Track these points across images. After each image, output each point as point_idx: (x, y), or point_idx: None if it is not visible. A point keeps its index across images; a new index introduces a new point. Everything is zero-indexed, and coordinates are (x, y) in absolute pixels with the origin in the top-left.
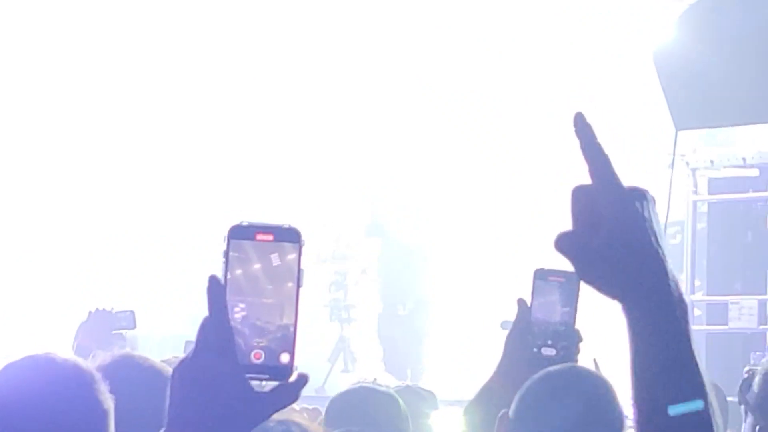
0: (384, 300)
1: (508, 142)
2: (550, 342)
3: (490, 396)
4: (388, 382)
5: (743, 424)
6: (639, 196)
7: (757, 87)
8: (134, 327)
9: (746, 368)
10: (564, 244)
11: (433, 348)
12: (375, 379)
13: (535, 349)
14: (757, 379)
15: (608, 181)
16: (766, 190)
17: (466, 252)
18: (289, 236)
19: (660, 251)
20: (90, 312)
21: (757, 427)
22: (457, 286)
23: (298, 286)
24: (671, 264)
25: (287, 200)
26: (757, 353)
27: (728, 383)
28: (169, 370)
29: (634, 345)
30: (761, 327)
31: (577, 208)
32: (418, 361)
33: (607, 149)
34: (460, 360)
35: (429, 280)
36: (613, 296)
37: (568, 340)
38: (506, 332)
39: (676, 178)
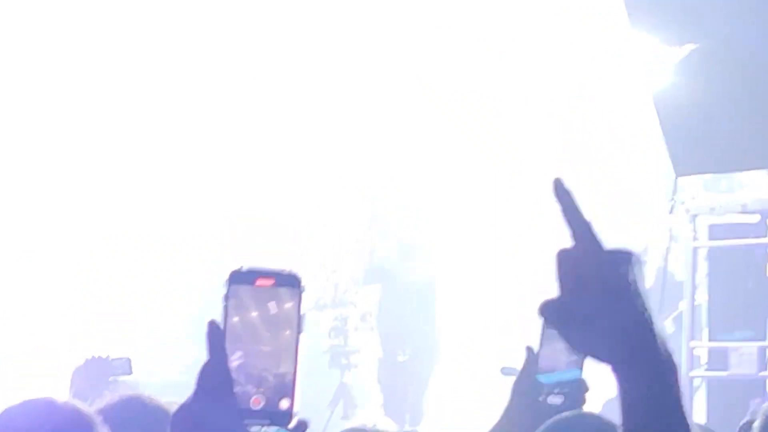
0: (384, 346)
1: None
2: (557, 390)
3: None
4: (388, 427)
5: None
6: (623, 259)
7: (757, 133)
8: (130, 373)
9: (745, 419)
10: (550, 312)
11: (432, 394)
12: (375, 425)
13: (541, 398)
14: (757, 423)
15: (591, 245)
16: (766, 236)
17: (465, 292)
18: (289, 282)
19: (647, 315)
20: (86, 359)
21: None
22: (457, 332)
23: (298, 332)
24: (658, 325)
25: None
26: (757, 399)
27: (728, 429)
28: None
29: (625, 406)
30: (761, 373)
31: (562, 271)
32: (418, 407)
33: (588, 214)
34: (459, 406)
35: (428, 326)
36: (602, 361)
37: (576, 388)
38: (507, 378)
39: (676, 224)
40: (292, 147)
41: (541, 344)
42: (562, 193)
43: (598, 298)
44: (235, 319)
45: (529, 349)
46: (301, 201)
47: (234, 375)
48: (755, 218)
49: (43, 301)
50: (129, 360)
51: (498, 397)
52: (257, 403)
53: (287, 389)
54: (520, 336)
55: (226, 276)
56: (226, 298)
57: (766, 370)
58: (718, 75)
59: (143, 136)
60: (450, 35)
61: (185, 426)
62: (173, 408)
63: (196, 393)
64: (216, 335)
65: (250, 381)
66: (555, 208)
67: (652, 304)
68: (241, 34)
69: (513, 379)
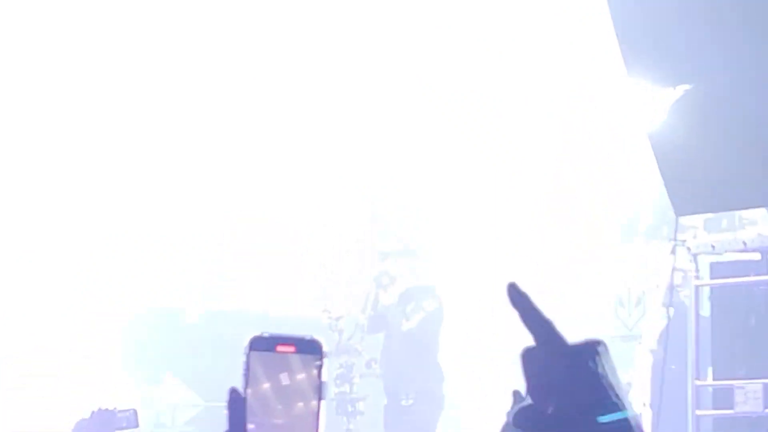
0: (387, 391)
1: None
2: None
3: None
4: None
5: None
6: (590, 351)
7: (754, 171)
8: (137, 426)
9: None
10: (521, 419)
11: None
12: None
13: None
14: None
15: (555, 346)
16: (767, 274)
17: (469, 332)
18: (311, 349)
19: (619, 403)
20: (92, 411)
21: None
22: (459, 375)
23: (320, 398)
24: (632, 410)
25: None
26: None
27: None
28: None
29: None
30: (767, 410)
31: (530, 373)
32: None
33: (547, 313)
34: None
35: (431, 370)
36: None
37: None
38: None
39: (678, 264)
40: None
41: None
42: (517, 297)
43: (565, 397)
44: (256, 386)
45: (516, 393)
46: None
47: None
48: (756, 256)
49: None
50: (135, 412)
51: None
52: None
53: None
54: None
55: (246, 342)
56: (247, 365)
57: None
58: (713, 115)
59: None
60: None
61: None
62: None
63: None
64: (237, 403)
65: None
66: (512, 314)
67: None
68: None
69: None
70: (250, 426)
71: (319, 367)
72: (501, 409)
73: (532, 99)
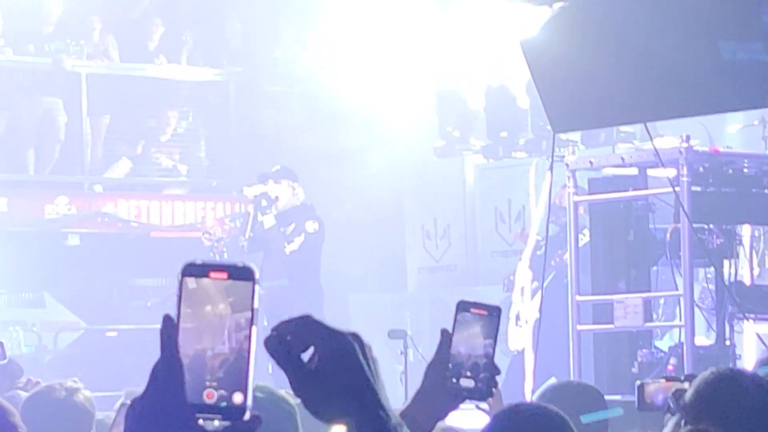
0: (268, 313)
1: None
2: (468, 374)
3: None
4: None
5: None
6: (355, 338)
7: (630, 87)
8: (4, 358)
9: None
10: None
11: None
12: None
13: (454, 380)
14: (688, 393)
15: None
16: (645, 188)
17: None
18: (244, 275)
19: (372, 385)
20: None
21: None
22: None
23: (252, 324)
24: (385, 397)
25: None
26: (644, 350)
27: (615, 381)
28: None
29: None
30: (647, 324)
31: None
32: None
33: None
34: None
35: (314, 291)
36: (330, 420)
37: (488, 372)
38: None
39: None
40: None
41: (455, 328)
42: (273, 348)
43: (326, 360)
44: (189, 312)
45: (444, 332)
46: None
47: (187, 369)
48: (634, 171)
49: None
50: (2, 344)
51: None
52: (210, 397)
53: (241, 383)
54: None
55: (180, 268)
56: (180, 291)
57: (651, 321)
58: (588, 32)
59: None
60: None
61: (137, 420)
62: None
63: (148, 387)
64: (169, 329)
65: (203, 375)
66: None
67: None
68: None
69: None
70: (190, 347)
71: (252, 294)
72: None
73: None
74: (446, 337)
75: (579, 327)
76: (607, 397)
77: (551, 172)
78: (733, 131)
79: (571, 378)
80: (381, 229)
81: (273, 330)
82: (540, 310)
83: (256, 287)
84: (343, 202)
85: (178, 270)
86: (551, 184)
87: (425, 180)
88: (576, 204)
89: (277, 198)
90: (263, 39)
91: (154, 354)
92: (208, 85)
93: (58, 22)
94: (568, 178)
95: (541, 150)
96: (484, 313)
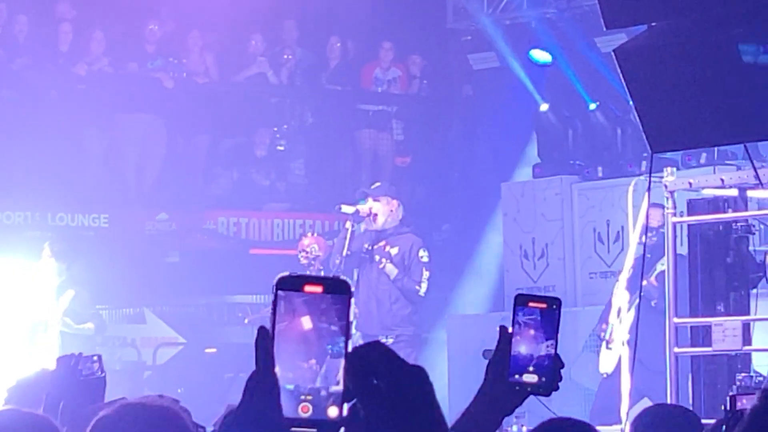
0: (363, 332)
1: None
2: (531, 369)
3: (471, 422)
4: None
5: None
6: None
7: (728, 107)
8: (104, 373)
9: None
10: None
11: None
12: None
13: (517, 376)
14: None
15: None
16: (745, 210)
17: None
18: (339, 288)
19: (442, 416)
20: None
21: None
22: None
23: (347, 338)
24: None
25: None
26: (743, 374)
27: (713, 405)
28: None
29: None
30: (746, 348)
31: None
32: None
33: None
34: None
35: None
36: None
37: (551, 366)
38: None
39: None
40: None
41: (514, 322)
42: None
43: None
44: (283, 325)
45: (502, 329)
46: None
47: (282, 382)
48: (733, 192)
49: None
50: (100, 357)
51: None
52: (305, 411)
53: (336, 397)
54: None
55: (274, 281)
56: (274, 305)
57: (750, 345)
58: (684, 48)
59: None
60: None
61: None
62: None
63: (243, 401)
64: (264, 342)
65: (298, 388)
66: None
67: None
68: None
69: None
70: (286, 360)
71: (347, 307)
72: None
73: None
74: (505, 334)
75: (676, 350)
76: (704, 421)
77: (649, 192)
78: None
79: (668, 401)
80: (481, 249)
81: (350, 352)
82: (635, 332)
83: (352, 300)
84: (442, 222)
85: (272, 283)
86: (648, 205)
87: (524, 200)
88: (674, 225)
89: (375, 216)
90: (363, 57)
91: (252, 370)
92: (307, 103)
93: (159, 40)
94: (667, 198)
95: (641, 170)
96: (544, 305)
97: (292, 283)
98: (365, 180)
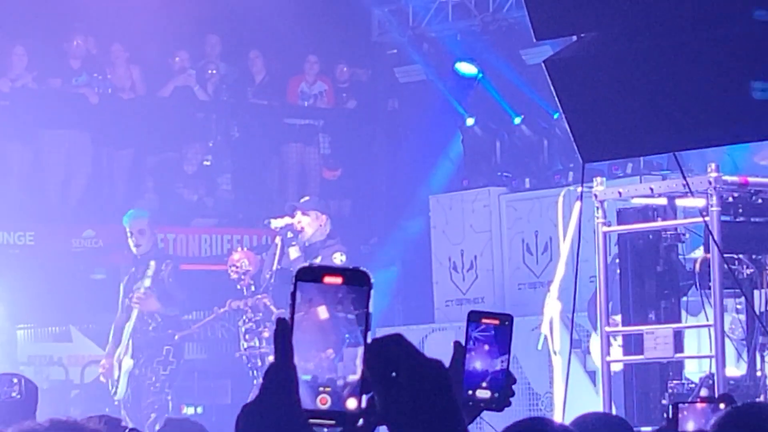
0: None
1: None
2: (485, 384)
3: None
4: None
5: None
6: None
7: (659, 117)
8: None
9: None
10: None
11: None
12: None
13: (470, 392)
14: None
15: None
16: (674, 219)
17: None
18: (359, 279)
19: (460, 410)
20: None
21: None
22: None
23: (367, 329)
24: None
25: None
26: (675, 381)
27: (645, 413)
28: None
29: None
30: (677, 355)
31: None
32: None
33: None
34: None
35: None
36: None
37: (504, 381)
38: None
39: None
40: None
41: (467, 339)
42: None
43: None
44: (302, 316)
45: (457, 344)
46: None
47: (299, 373)
48: (663, 201)
49: None
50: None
51: None
52: (324, 402)
53: (355, 389)
54: None
55: (294, 272)
56: (293, 295)
57: (682, 352)
58: (616, 59)
59: None
60: None
61: (250, 425)
62: None
63: (261, 392)
64: (284, 333)
65: (317, 380)
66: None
67: None
68: None
69: None
70: (304, 351)
71: (367, 298)
72: None
73: None
74: (459, 350)
75: (608, 358)
76: (636, 429)
77: (581, 201)
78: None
79: (602, 410)
80: (408, 261)
81: (370, 344)
82: (570, 342)
83: (372, 292)
84: (370, 235)
85: (292, 275)
86: (580, 215)
87: (452, 212)
88: (605, 234)
89: (303, 229)
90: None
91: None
92: (234, 117)
93: (84, 56)
94: (597, 208)
95: (568, 181)
96: (497, 322)
97: (311, 274)
98: (292, 194)
